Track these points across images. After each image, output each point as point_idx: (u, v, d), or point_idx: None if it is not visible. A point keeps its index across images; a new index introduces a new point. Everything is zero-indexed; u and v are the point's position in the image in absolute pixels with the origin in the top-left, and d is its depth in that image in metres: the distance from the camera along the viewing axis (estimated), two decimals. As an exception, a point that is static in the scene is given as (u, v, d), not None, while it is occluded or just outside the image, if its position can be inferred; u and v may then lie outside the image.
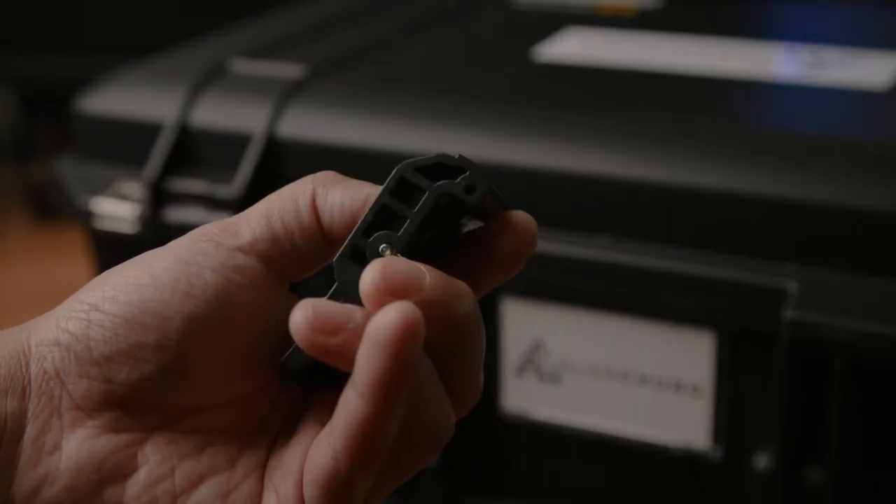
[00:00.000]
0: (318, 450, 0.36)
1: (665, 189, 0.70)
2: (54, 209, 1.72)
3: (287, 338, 0.36)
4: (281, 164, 0.80)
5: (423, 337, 0.33)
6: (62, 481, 0.36)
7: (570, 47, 0.90)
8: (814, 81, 0.81)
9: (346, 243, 0.37)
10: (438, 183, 0.37)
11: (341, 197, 0.38)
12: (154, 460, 0.37)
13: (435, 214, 0.37)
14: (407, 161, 0.37)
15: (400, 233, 0.36)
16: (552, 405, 0.76)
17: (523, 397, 0.77)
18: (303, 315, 0.34)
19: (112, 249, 0.85)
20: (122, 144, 0.85)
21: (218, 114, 0.82)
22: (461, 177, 0.37)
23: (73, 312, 0.37)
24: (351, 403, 0.34)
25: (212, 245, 0.38)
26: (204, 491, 0.37)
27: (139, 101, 0.86)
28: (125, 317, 0.36)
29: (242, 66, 0.86)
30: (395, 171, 0.37)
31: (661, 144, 0.72)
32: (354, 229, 0.37)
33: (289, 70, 0.85)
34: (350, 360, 0.34)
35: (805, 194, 0.67)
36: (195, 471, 0.37)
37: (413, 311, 0.33)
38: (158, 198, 0.81)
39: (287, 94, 0.81)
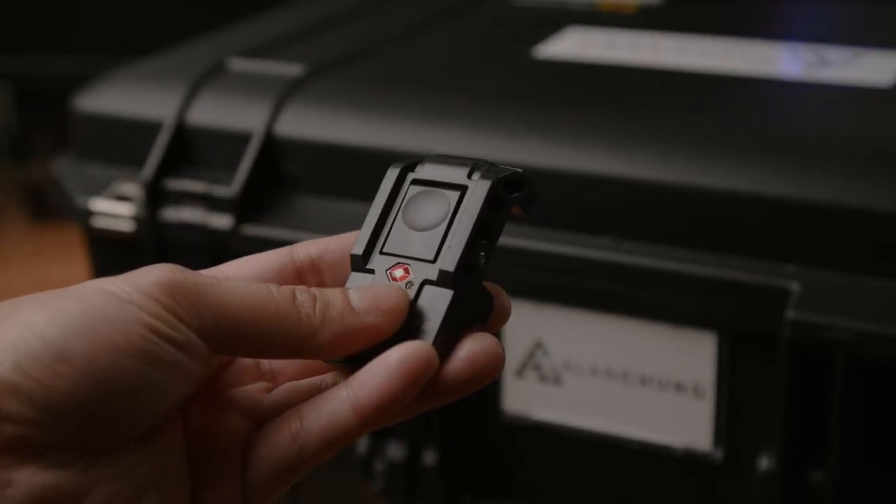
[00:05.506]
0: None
1: (665, 189, 0.70)
2: (51, 209, 1.72)
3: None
4: (279, 163, 0.80)
5: None
6: None
7: (570, 46, 0.90)
8: (815, 80, 0.81)
9: (460, 258, 0.38)
10: (514, 195, 0.39)
11: None
12: (100, 487, 0.36)
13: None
14: (498, 178, 0.39)
15: (491, 241, 0.39)
16: (553, 406, 0.76)
17: (524, 398, 0.76)
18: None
19: (109, 249, 0.84)
20: (120, 143, 0.85)
21: (216, 113, 0.82)
22: (525, 190, 0.40)
23: (37, 355, 0.35)
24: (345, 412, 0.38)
25: (183, 354, 0.37)
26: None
27: (137, 99, 0.85)
28: (87, 373, 0.35)
29: (241, 65, 0.86)
30: (490, 186, 0.39)
31: (662, 144, 0.72)
32: (465, 246, 0.38)
33: (287, 69, 0.84)
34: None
35: (807, 194, 0.67)
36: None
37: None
38: (156, 197, 0.81)
39: (286, 93, 0.81)
